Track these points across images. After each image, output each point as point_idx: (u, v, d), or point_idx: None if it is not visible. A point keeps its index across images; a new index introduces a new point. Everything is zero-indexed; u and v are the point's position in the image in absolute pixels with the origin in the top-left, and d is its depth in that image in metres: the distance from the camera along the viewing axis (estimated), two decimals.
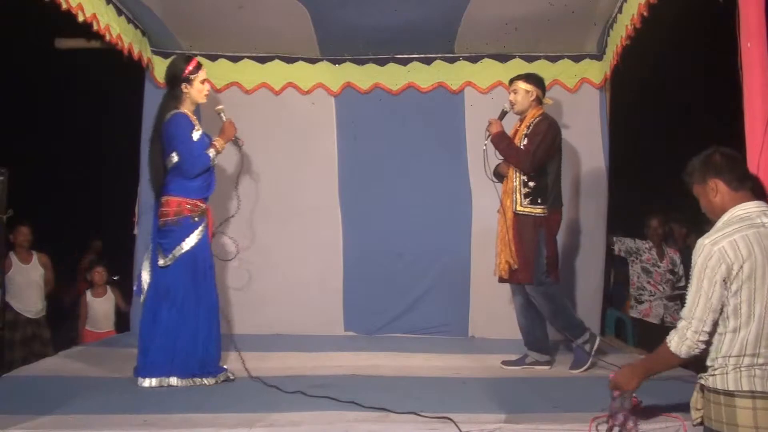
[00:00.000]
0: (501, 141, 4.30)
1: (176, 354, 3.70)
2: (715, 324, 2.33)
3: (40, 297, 5.80)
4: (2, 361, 4.89)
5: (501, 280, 4.34)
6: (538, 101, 4.34)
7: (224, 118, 4.08)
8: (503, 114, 4.40)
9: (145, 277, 3.89)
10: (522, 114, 4.36)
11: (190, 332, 3.74)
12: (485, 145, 4.38)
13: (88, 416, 2.99)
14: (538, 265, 4.15)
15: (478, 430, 2.81)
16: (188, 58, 3.99)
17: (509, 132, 4.39)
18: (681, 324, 2.39)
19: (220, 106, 4.15)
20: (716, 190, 2.42)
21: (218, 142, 3.96)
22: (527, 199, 4.18)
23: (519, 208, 4.18)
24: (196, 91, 3.91)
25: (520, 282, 4.22)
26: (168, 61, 5.55)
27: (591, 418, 2.80)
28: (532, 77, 4.38)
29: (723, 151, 2.46)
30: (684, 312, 2.38)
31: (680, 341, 2.38)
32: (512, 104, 4.36)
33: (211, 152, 3.88)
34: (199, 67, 3.94)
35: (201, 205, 3.88)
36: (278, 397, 3.35)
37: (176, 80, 3.88)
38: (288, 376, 3.93)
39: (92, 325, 6.00)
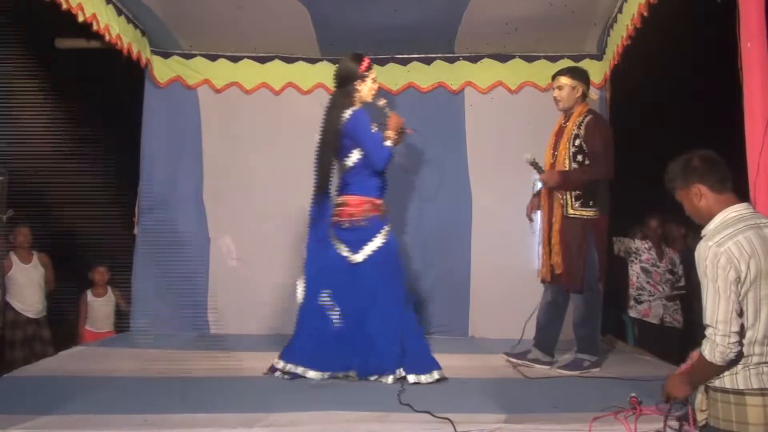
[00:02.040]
0: (567, 179, 4.03)
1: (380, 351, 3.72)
2: (742, 325, 2.28)
3: (40, 297, 5.81)
4: (2, 361, 4.90)
5: (543, 281, 4.28)
6: (584, 97, 4.20)
7: (388, 113, 4.03)
8: (536, 164, 4.12)
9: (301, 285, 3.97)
10: (567, 110, 4.20)
11: (386, 328, 3.75)
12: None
13: (88, 416, 2.99)
14: (591, 270, 4.05)
15: (478, 430, 2.81)
16: (359, 57, 3.99)
17: (552, 129, 4.28)
18: (708, 332, 2.33)
19: (383, 101, 4.12)
20: (700, 194, 2.41)
21: (390, 133, 3.93)
22: (578, 202, 4.05)
23: (570, 211, 4.05)
24: (368, 89, 3.95)
25: (567, 288, 4.12)
26: (169, 60, 5.65)
27: (591, 418, 2.80)
28: (577, 72, 4.23)
29: (701, 154, 2.44)
30: (707, 319, 2.32)
31: (712, 349, 2.31)
32: (556, 100, 4.20)
33: (389, 143, 3.90)
34: (371, 65, 3.97)
35: (381, 203, 3.92)
36: (278, 397, 3.35)
37: (349, 79, 3.92)
38: None
39: (92, 325, 6.00)
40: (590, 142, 4.04)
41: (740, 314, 2.29)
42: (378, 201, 3.91)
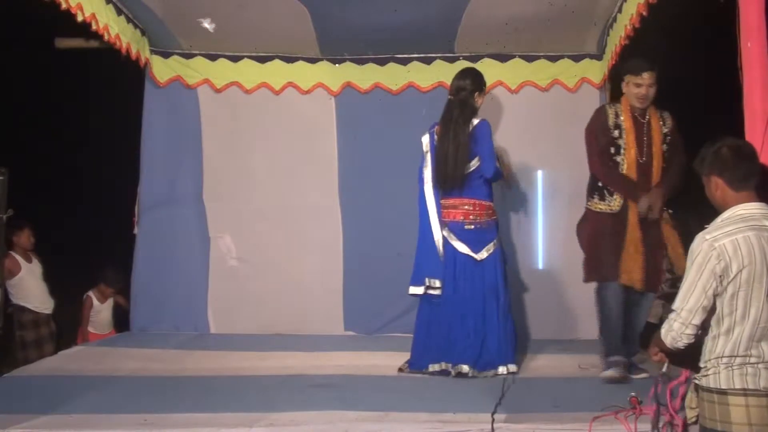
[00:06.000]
0: (666, 193, 3.79)
1: (499, 344, 4.00)
2: (704, 321, 2.33)
3: (48, 292, 5.83)
4: (28, 361, 4.95)
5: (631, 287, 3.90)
6: None
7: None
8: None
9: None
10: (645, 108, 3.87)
11: (506, 323, 4.06)
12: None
13: (88, 416, 3.00)
14: None
15: (478, 430, 2.81)
16: (480, 74, 4.30)
17: (610, 129, 3.86)
18: (671, 315, 2.41)
19: None
20: (717, 186, 2.42)
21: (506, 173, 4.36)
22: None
23: (666, 216, 3.86)
24: (479, 104, 4.24)
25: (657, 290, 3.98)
26: (169, 59, 5.64)
27: (591, 418, 2.80)
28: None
29: (732, 144, 2.42)
30: (675, 303, 2.39)
31: (666, 331, 2.40)
32: (645, 98, 3.80)
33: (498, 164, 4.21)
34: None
35: (494, 208, 4.18)
36: (278, 397, 3.35)
37: (474, 91, 4.19)
38: (288, 376, 3.94)
39: (95, 327, 6.04)
40: (675, 135, 3.89)
41: (707, 313, 2.32)
42: (492, 205, 4.17)
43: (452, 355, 3.97)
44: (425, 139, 4.27)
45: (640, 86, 3.80)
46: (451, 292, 4.05)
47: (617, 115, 3.88)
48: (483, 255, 4.04)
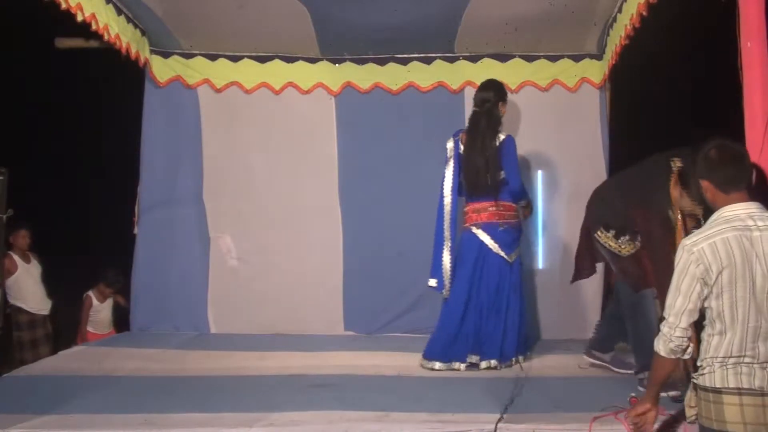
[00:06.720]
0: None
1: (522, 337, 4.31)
2: (696, 323, 2.37)
3: (46, 293, 5.83)
4: (24, 361, 4.95)
5: None
6: None
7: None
8: None
9: (447, 269, 4.35)
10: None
11: (523, 318, 4.34)
12: None
13: (88, 416, 3.00)
14: None
15: (477, 430, 2.81)
16: (502, 83, 4.52)
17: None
18: (661, 324, 2.45)
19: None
20: (707, 189, 2.44)
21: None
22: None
23: None
24: (503, 114, 4.45)
25: None
26: (169, 59, 5.63)
27: (591, 418, 2.81)
28: None
29: (719, 146, 2.42)
30: (664, 310, 2.43)
31: (658, 339, 2.44)
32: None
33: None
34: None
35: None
36: (278, 397, 3.35)
37: (497, 102, 4.38)
38: (288, 376, 3.94)
39: (95, 327, 6.04)
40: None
41: (697, 314, 2.35)
42: (517, 207, 4.39)
43: (482, 349, 4.16)
44: (449, 145, 4.46)
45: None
46: (480, 289, 4.23)
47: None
48: (513, 257, 4.27)
